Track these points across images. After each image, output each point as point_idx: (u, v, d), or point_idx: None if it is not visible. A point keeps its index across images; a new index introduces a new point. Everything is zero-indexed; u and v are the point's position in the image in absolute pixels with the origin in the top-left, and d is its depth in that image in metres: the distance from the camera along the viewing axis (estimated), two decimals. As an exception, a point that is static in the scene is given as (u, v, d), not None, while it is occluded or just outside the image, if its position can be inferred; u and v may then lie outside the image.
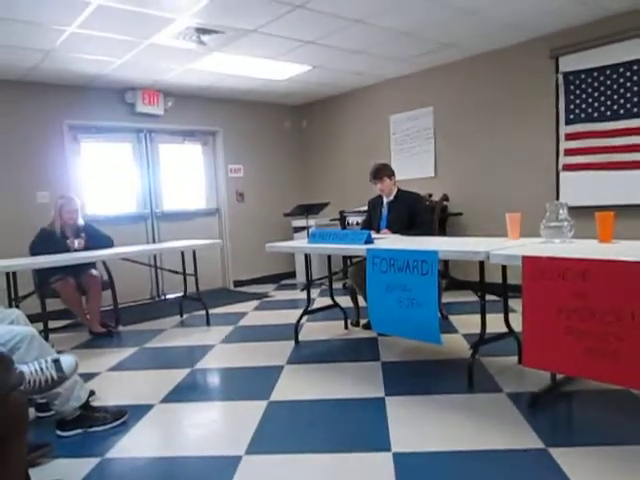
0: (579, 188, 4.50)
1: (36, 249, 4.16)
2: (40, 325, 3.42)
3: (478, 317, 2.87)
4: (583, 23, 4.39)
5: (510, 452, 2.04)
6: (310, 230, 4.97)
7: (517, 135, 4.98)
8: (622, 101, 4.23)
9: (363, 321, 4.08)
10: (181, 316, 4.97)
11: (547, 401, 2.49)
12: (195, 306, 4.89)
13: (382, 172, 4.08)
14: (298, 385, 2.95)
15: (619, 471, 1.87)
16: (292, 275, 6.99)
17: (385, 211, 4.15)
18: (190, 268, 4.66)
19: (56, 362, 1.95)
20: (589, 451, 2.01)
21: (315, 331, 4.13)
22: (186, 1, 3.50)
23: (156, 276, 6.12)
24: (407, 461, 2.03)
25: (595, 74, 4.36)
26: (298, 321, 3.88)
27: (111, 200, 5.92)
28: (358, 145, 6.55)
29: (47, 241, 4.22)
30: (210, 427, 2.52)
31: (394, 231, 3.96)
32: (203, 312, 4.68)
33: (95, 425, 2.46)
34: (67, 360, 1.99)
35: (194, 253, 4.64)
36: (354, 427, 2.38)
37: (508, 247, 2.56)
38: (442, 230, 5.14)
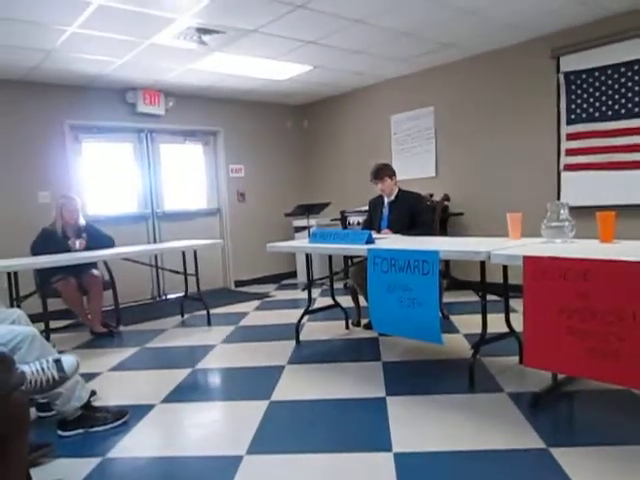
0: (580, 188, 4.50)
1: (37, 249, 4.17)
2: (41, 325, 3.43)
3: (479, 317, 2.87)
4: (584, 23, 4.39)
5: (511, 452, 2.04)
6: (311, 230, 4.97)
7: (518, 135, 4.98)
8: (623, 101, 4.23)
9: (364, 321, 4.08)
10: (182, 316, 4.97)
11: (548, 401, 2.49)
12: (196, 306, 4.89)
13: (383, 172, 4.08)
14: (299, 385, 2.95)
15: (620, 471, 1.87)
16: (293, 275, 6.99)
17: (386, 211, 4.15)
18: (191, 268, 4.66)
19: (57, 362, 1.95)
20: (590, 451, 2.01)
21: (316, 331, 4.13)
22: (187, 1, 3.50)
23: (157, 276, 6.12)
24: (408, 461, 2.03)
25: (596, 74, 4.36)
26: (299, 321, 3.88)
27: (112, 200, 5.92)
28: (359, 145, 6.55)
29: (48, 241, 4.23)
30: (211, 427, 2.52)
31: (395, 231, 3.96)
32: (204, 312, 4.68)
33: (96, 425, 2.46)
34: (68, 360, 1.99)
35: (195, 253, 4.64)
36: (355, 427, 2.38)
37: (509, 247, 2.56)
38: (443, 230, 5.14)
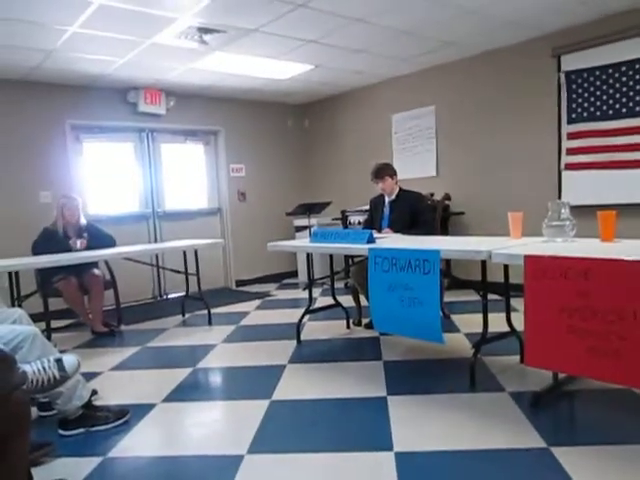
0: (581, 187, 4.49)
1: (38, 249, 4.18)
2: (42, 324, 3.43)
3: (480, 316, 2.87)
4: (585, 22, 4.38)
5: (512, 451, 2.04)
6: (312, 229, 4.97)
7: (519, 134, 4.97)
8: (624, 100, 4.22)
9: (365, 320, 4.08)
10: (183, 315, 4.98)
11: (549, 400, 2.49)
12: (197, 305, 4.90)
13: (384, 171, 4.08)
14: (300, 384, 2.96)
15: (621, 470, 1.86)
16: (294, 274, 6.99)
17: (387, 210, 4.15)
18: (192, 267, 4.66)
19: (58, 361, 1.95)
20: (591, 450, 2.01)
21: (317, 330, 4.13)
22: (188, 1, 3.50)
23: (158, 276, 6.12)
24: (409, 460, 2.03)
25: (597, 73, 4.35)
26: (300, 320, 3.88)
27: (113, 200, 5.93)
28: (360, 144, 6.55)
29: (49, 241, 4.23)
30: (212, 426, 2.53)
31: (396, 230, 3.96)
32: (205, 311, 4.68)
33: (97, 424, 2.46)
34: (69, 359, 1.99)
35: (196, 253, 4.65)
36: (356, 426, 2.38)
37: (510, 246, 2.56)
38: (444, 229, 5.14)
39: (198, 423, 2.57)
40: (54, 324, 4.04)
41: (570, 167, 4.58)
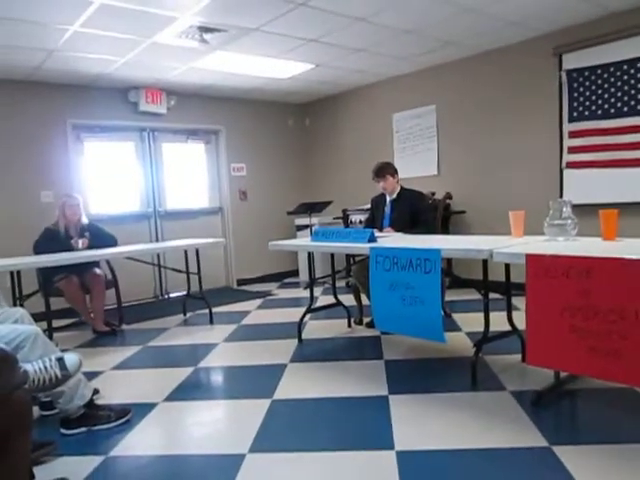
0: (583, 186, 4.49)
1: (40, 248, 4.18)
2: (44, 324, 3.43)
3: (481, 315, 2.87)
4: (586, 20, 4.37)
5: (514, 450, 2.04)
6: (313, 228, 4.97)
7: (520, 133, 4.97)
8: (626, 98, 4.21)
9: (366, 319, 4.08)
10: (184, 315, 4.98)
11: (551, 399, 2.49)
12: (198, 305, 4.90)
13: (385, 170, 4.08)
14: (301, 383, 2.96)
15: (623, 469, 1.86)
16: (295, 273, 6.99)
17: (388, 209, 4.15)
18: (193, 267, 4.67)
19: (60, 360, 1.95)
20: (593, 449, 2.01)
21: (318, 329, 4.13)
22: (188, 0, 3.50)
23: (159, 275, 6.13)
24: (411, 459, 2.03)
25: (599, 71, 4.35)
26: (301, 319, 3.88)
27: (114, 199, 5.93)
28: (361, 143, 6.54)
29: (51, 240, 4.24)
30: (213, 425, 2.53)
31: (397, 229, 3.96)
32: (206, 311, 4.69)
33: (99, 423, 2.47)
34: (71, 358, 1.99)
35: (197, 252, 4.65)
36: (357, 425, 2.38)
37: (511, 245, 2.55)
38: (445, 228, 5.13)
39: (199, 422, 2.57)
40: (56, 323, 4.04)
41: (572, 166, 4.58)
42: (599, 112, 4.38)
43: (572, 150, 4.57)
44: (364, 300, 4.02)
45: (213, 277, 6.28)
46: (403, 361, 3.25)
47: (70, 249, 4.23)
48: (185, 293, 4.99)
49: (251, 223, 6.79)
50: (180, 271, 4.80)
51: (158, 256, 5.90)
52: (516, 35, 4.70)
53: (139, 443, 2.34)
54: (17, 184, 5.13)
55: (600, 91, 4.36)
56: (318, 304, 4.48)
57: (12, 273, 3.61)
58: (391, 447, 2.12)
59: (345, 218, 6.03)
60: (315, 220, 6.25)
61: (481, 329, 2.88)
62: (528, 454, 2.01)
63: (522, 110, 4.93)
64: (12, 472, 1.55)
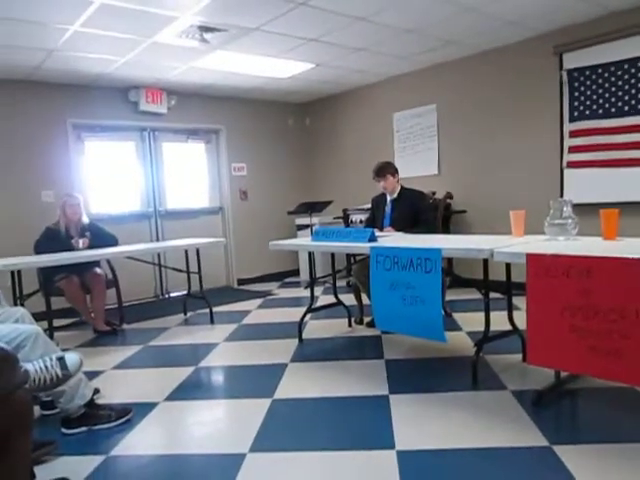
0: (583, 185, 4.48)
1: (41, 248, 4.18)
2: (45, 323, 3.43)
3: (482, 315, 2.87)
4: (586, 20, 4.37)
5: (514, 450, 2.04)
6: (314, 228, 4.97)
7: (520, 133, 4.96)
8: (627, 98, 4.21)
9: (367, 319, 4.08)
10: (185, 314, 4.98)
11: (551, 399, 2.49)
12: (199, 304, 4.90)
13: (385, 170, 4.08)
14: (302, 383, 2.96)
15: (623, 469, 1.86)
16: (296, 273, 6.99)
17: (388, 209, 4.15)
18: (194, 266, 4.67)
19: (61, 360, 1.95)
20: (593, 449, 2.01)
21: (319, 329, 4.13)
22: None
23: (160, 274, 6.13)
24: (411, 459, 2.03)
25: (599, 71, 4.34)
26: (302, 319, 3.88)
27: (115, 199, 5.93)
28: (361, 143, 6.54)
29: (52, 240, 4.24)
30: (214, 425, 2.53)
31: (398, 229, 3.96)
32: (207, 310, 4.69)
33: (100, 423, 2.47)
34: (72, 358, 2.00)
35: (198, 251, 4.65)
36: (358, 425, 2.38)
37: (512, 245, 2.55)
38: (446, 228, 5.13)
39: (200, 422, 2.58)
40: (56, 323, 4.04)
41: (572, 165, 4.57)
42: (600, 111, 4.37)
43: (573, 149, 4.56)
44: (365, 300, 4.02)
45: (214, 277, 6.28)
46: (404, 361, 3.25)
47: (71, 249, 4.23)
48: (186, 293, 5.00)
49: (252, 223, 6.79)
50: (181, 271, 4.81)
51: (159, 256, 5.91)
52: (516, 34, 4.69)
53: (140, 443, 2.34)
54: (18, 184, 5.13)
55: (601, 90, 4.36)
56: (319, 304, 4.49)
57: (13, 273, 3.61)
58: (392, 447, 2.12)
59: (345, 218, 6.03)
60: (315, 220, 6.25)
61: (482, 329, 2.87)
62: (529, 453, 2.01)
63: (523, 109, 4.93)
64: (13, 472, 1.55)
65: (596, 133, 4.40)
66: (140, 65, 4.94)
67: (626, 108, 4.22)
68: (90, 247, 4.31)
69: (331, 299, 4.21)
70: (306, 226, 6.29)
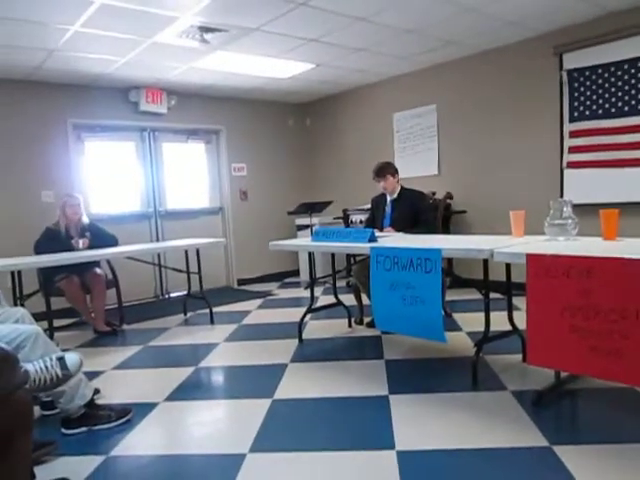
0: (583, 185, 4.48)
1: (41, 248, 4.18)
2: (45, 323, 3.44)
3: (482, 315, 2.87)
4: (586, 20, 4.37)
5: (514, 450, 2.04)
6: (314, 228, 4.97)
7: (521, 133, 4.96)
8: (627, 98, 4.21)
9: (367, 319, 4.07)
10: (185, 314, 4.98)
11: (551, 399, 2.49)
12: (199, 304, 4.90)
13: (385, 170, 4.08)
14: (302, 383, 2.96)
15: (623, 469, 1.86)
16: (296, 273, 6.99)
17: (389, 209, 4.15)
18: (194, 267, 4.67)
19: (61, 360, 1.95)
20: (594, 449, 2.01)
21: (319, 329, 4.13)
22: (189, 0, 3.50)
23: (160, 275, 6.13)
24: (411, 459, 2.03)
25: (600, 71, 4.34)
26: (302, 319, 3.88)
27: (115, 199, 5.93)
28: (361, 143, 6.54)
29: (52, 240, 4.24)
30: (214, 425, 2.53)
31: (398, 229, 3.96)
32: (207, 310, 4.69)
33: (100, 423, 2.47)
34: (72, 358, 2.00)
35: (198, 252, 4.65)
36: (358, 425, 2.38)
37: (512, 245, 2.55)
38: (446, 228, 5.13)
39: (200, 422, 2.58)
40: (56, 323, 4.04)
41: (572, 165, 4.58)
42: (600, 112, 4.37)
43: (573, 150, 4.57)
44: (365, 300, 4.02)
45: (214, 277, 6.28)
46: (404, 361, 3.25)
47: (71, 249, 4.23)
48: (186, 293, 5.00)
49: (252, 223, 6.79)
50: (181, 271, 4.81)
51: (159, 256, 5.91)
52: (516, 35, 4.70)
53: (140, 443, 2.34)
54: (18, 184, 5.13)
55: (601, 91, 4.36)
56: (319, 304, 4.48)
57: (13, 273, 3.61)
58: (392, 447, 2.12)
59: (345, 218, 6.03)
60: (315, 220, 6.25)
61: (482, 329, 2.87)
62: (529, 454, 2.01)
63: (523, 109, 4.93)
64: (13, 472, 1.55)
65: (596, 133, 4.40)
66: (140, 65, 4.95)
67: (626, 108, 4.22)
68: (90, 247, 4.31)
69: (331, 299, 4.20)
70: (306, 226, 6.29)
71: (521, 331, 2.86)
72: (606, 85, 4.32)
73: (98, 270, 4.45)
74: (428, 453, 2.07)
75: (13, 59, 4.49)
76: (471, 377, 2.76)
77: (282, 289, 6.27)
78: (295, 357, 3.46)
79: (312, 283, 4.03)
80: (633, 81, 4.16)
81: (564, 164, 4.62)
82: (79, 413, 2.43)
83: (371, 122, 6.40)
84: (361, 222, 5.53)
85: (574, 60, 4.49)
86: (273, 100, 6.89)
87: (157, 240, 6.15)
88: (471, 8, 3.94)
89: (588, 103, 4.44)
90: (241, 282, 6.73)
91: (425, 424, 2.33)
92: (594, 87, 4.39)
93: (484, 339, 2.85)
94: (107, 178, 5.88)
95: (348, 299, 4.27)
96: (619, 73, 4.23)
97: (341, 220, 6.10)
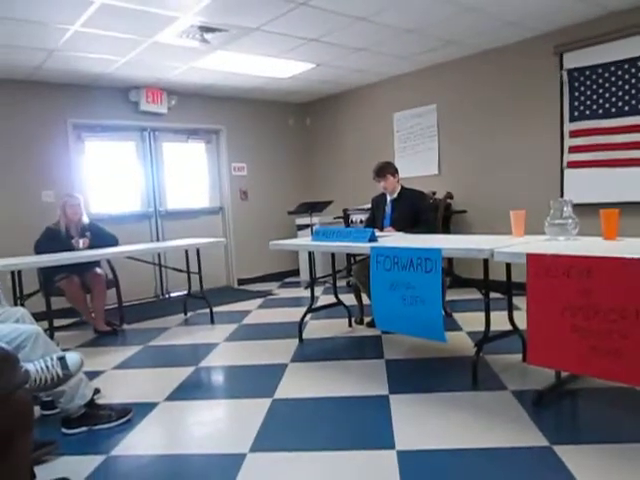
0: (583, 185, 4.48)
1: (41, 248, 4.18)
2: (45, 323, 3.44)
3: (482, 315, 2.87)
4: (587, 20, 4.36)
5: (514, 450, 2.04)
6: (314, 228, 4.97)
7: (521, 133, 4.96)
8: (627, 98, 4.21)
9: (367, 319, 4.08)
10: (185, 314, 4.98)
11: (551, 399, 2.49)
12: (199, 304, 4.90)
13: (385, 170, 4.08)
14: (302, 383, 2.96)
15: (624, 469, 1.86)
16: (296, 273, 6.99)
17: (389, 209, 4.15)
18: (194, 266, 4.67)
19: (61, 360, 1.95)
20: (594, 449, 2.01)
21: (319, 329, 4.13)
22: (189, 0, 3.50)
23: (160, 274, 6.13)
24: (411, 459, 2.03)
25: (600, 71, 4.34)
26: (302, 319, 3.89)
27: (115, 199, 5.93)
28: (362, 143, 6.54)
29: (52, 240, 4.24)
30: (214, 425, 2.53)
31: (398, 229, 3.96)
32: (207, 310, 4.69)
33: (100, 423, 2.47)
34: (72, 357, 2.00)
35: (198, 251, 4.65)
36: (358, 425, 2.38)
37: (512, 245, 2.55)
38: (446, 228, 5.13)
39: (200, 422, 2.58)
40: (57, 323, 4.04)
41: (572, 165, 4.57)
42: (600, 111, 4.37)
43: (573, 149, 4.56)
44: (365, 299, 4.02)
45: (214, 277, 6.28)
46: (404, 361, 3.25)
47: (71, 249, 4.23)
48: (186, 293, 5.00)
49: (252, 223, 6.79)
50: (181, 271, 4.81)
51: (159, 256, 5.91)
52: (516, 34, 4.69)
53: (140, 443, 2.34)
54: (18, 184, 5.14)
55: (601, 90, 4.36)
56: (319, 304, 4.48)
57: (13, 273, 3.61)
58: (392, 447, 2.12)
59: (346, 218, 6.03)
60: (316, 220, 6.25)
61: (482, 329, 2.87)
62: (529, 454, 2.01)
63: (523, 109, 4.93)
64: (13, 471, 1.55)
65: (596, 133, 4.40)
66: (141, 65, 4.95)
67: (626, 108, 4.22)
68: (90, 247, 4.31)
69: (331, 299, 4.20)
70: (306, 226, 6.29)
71: (521, 331, 2.86)
72: (606, 85, 4.32)
73: (98, 270, 4.45)
74: (428, 453, 2.07)
75: (13, 59, 4.49)
76: (471, 377, 2.76)
77: (282, 289, 6.27)
78: (295, 357, 3.46)
79: (312, 283, 4.04)
80: (633, 81, 4.16)
81: (564, 164, 4.62)
82: (79, 413, 2.44)
83: (371, 122, 6.40)
84: (361, 222, 5.53)
85: (574, 60, 4.49)
86: (273, 100, 6.89)
87: (157, 240, 6.15)
88: (471, 8, 3.94)
89: (588, 103, 4.44)
90: (241, 282, 6.74)
91: (425, 424, 2.33)
92: (594, 87, 4.39)
93: (484, 339, 2.85)
94: (107, 178, 5.88)
95: (348, 299, 4.27)
96: (619, 73, 4.23)
97: (341, 220, 6.10)
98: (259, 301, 5.54)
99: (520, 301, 2.72)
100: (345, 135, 6.78)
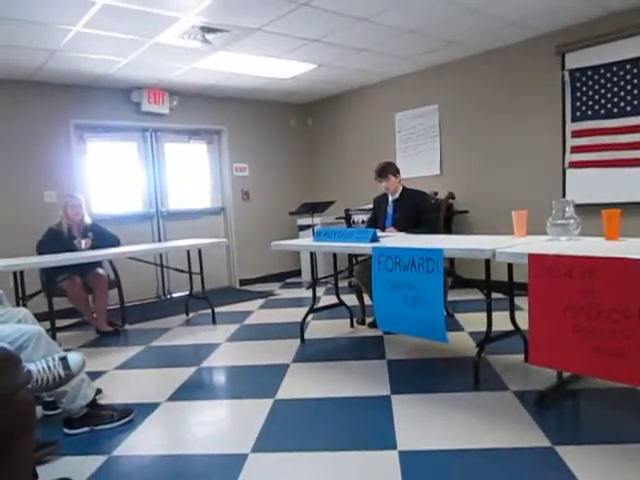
0: (585, 185, 4.48)
1: (43, 248, 4.19)
2: (47, 324, 3.44)
3: (484, 315, 2.86)
4: (589, 20, 4.36)
5: (516, 450, 2.04)
6: (315, 228, 4.97)
7: (523, 133, 4.96)
8: (629, 98, 4.20)
9: (369, 319, 4.07)
10: (187, 315, 4.99)
11: (553, 399, 2.48)
12: (201, 305, 4.90)
13: (387, 170, 4.08)
14: (304, 383, 2.96)
15: (626, 469, 1.86)
16: (297, 273, 6.99)
17: (390, 209, 4.15)
18: (196, 267, 4.67)
19: (63, 360, 1.95)
20: (596, 449, 2.01)
21: (321, 329, 4.13)
22: (191, 0, 3.50)
23: (162, 275, 6.14)
24: (413, 459, 2.03)
25: (602, 71, 4.34)
26: (304, 319, 3.89)
27: (117, 199, 5.94)
28: (363, 143, 6.54)
29: (54, 240, 4.25)
30: (216, 425, 2.53)
31: (400, 229, 3.96)
32: (209, 311, 4.70)
33: (102, 423, 2.47)
34: (74, 358, 2.00)
35: (200, 252, 4.65)
36: (360, 425, 2.38)
37: (514, 245, 2.55)
38: (448, 228, 5.13)
39: (202, 422, 2.58)
40: (59, 323, 4.05)
41: (574, 165, 4.57)
42: (602, 111, 4.37)
43: (575, 150, 4.56)
44: (367, 300, 4.01)
45: (215, 277, 6.29)
46: (405, 361, 3.24)
47: (73, 249, 4.24)
48: (188, 293, 5.00)
49: (253, 223, 6.80)
50: (183, 271, 4.81)
51: (161, 256, 5.92)
52: (518, 35, 4.69)
53: (142, 443, 2.34)
54: (20, 184, 5.15)
55: (603, 90, 4.35)
56: (320, 304, 4.48)
57: (15, 273, 3.62)
58: (394, 447, 2.12)
59: (347, 218, 6.04)
60: (317, 220, 6.24)
61: (484, 329, 2.87)
62: (531, 454, 2.01)
63: (525, 109, 4.92)
64: (15, 472, 1.56)
65: (598, 133, 4.40)
66: (142, 66, 4.95)
67: (628, 108, 4.21)
68: (92, 248, 4.32)
69: (333, 299, 4.21)
70: (308, 226, 6.28)
71: (523, 331, 2.86)
72: (608, 85, 4.31)
73: (100, 270, 4.45)
74: (430, 453, 2.07)
75: (15, 59, 4.50)
76: (473, 377, 2.76)
77: (284, 289, 6.27)
78: (297, 357, 3.46)
79: (314, 283, 4.04)
80: (635, 81, 4.15)
81: (566, 164, 4.62)
82: (81, 413, 2.44)
83: (373, 122, 6.40)
84: (363, 222, 5.53)
85: (576, 60, 4.49)
86: (275, 100, 6.90)
87: (159, 240, 6.15)
88: (473, 8, 3.94)
89: (590, 103, 4.43)
90: (243, 282, 6.74)
91: (427, 424, 2.33)
92: (596, 87, 4.39)
93: (486, 339, 2.85)
94: (109, 178, 5.89)
95: (350, 299, 4.27)
96: (621, 73, 4.23)
97: (343, 220, 6.10)
98: (261, 301, 5.54)
99: (522, 301, 2.72)
100: (347, 135, 6.78)
